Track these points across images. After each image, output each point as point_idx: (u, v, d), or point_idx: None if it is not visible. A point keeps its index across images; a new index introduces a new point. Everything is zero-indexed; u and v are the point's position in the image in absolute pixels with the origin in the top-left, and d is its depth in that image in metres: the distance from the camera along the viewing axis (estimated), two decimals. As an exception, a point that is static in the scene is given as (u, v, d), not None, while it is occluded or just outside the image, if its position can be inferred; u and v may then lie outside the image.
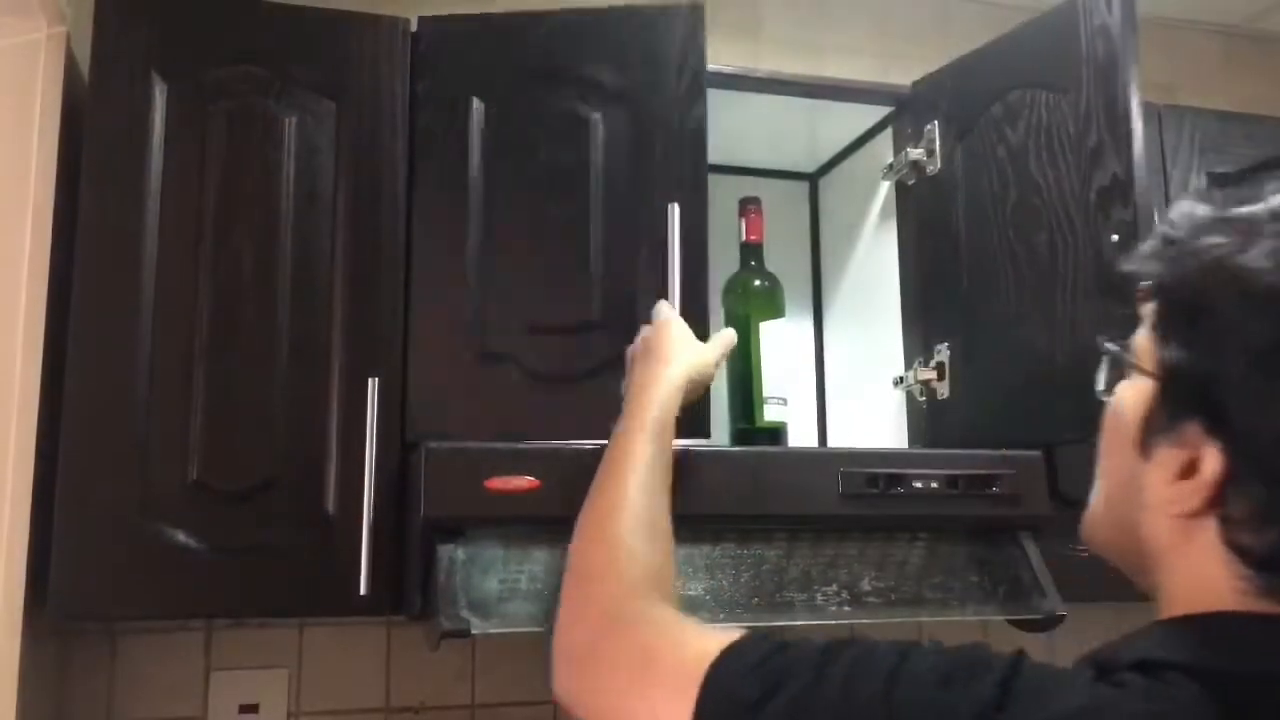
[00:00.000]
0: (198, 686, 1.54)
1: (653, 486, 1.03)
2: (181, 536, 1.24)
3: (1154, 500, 0.68)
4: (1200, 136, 1.70)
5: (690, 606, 1.31)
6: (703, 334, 1.26)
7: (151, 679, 1.52)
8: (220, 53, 1.33)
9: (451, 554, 1.24)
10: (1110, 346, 0.73)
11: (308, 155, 1.32)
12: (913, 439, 1.62)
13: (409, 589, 1.26)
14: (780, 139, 1.81)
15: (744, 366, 1.61)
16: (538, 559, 1.27)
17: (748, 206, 1.66)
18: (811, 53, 1.96)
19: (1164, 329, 0.68)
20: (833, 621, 1.34)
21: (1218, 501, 0.64)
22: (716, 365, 1.23)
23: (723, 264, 1.68)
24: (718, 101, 1.62)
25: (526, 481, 1.23)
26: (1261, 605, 0.63)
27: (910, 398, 1.61)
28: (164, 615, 1.40)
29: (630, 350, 1.22)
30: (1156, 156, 1.65)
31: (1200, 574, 0.65)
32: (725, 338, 1.26)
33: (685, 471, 1.15)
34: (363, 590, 1.19)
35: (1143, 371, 0.69)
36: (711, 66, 1.63)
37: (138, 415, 1.25)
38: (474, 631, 1.22)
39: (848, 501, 1.27)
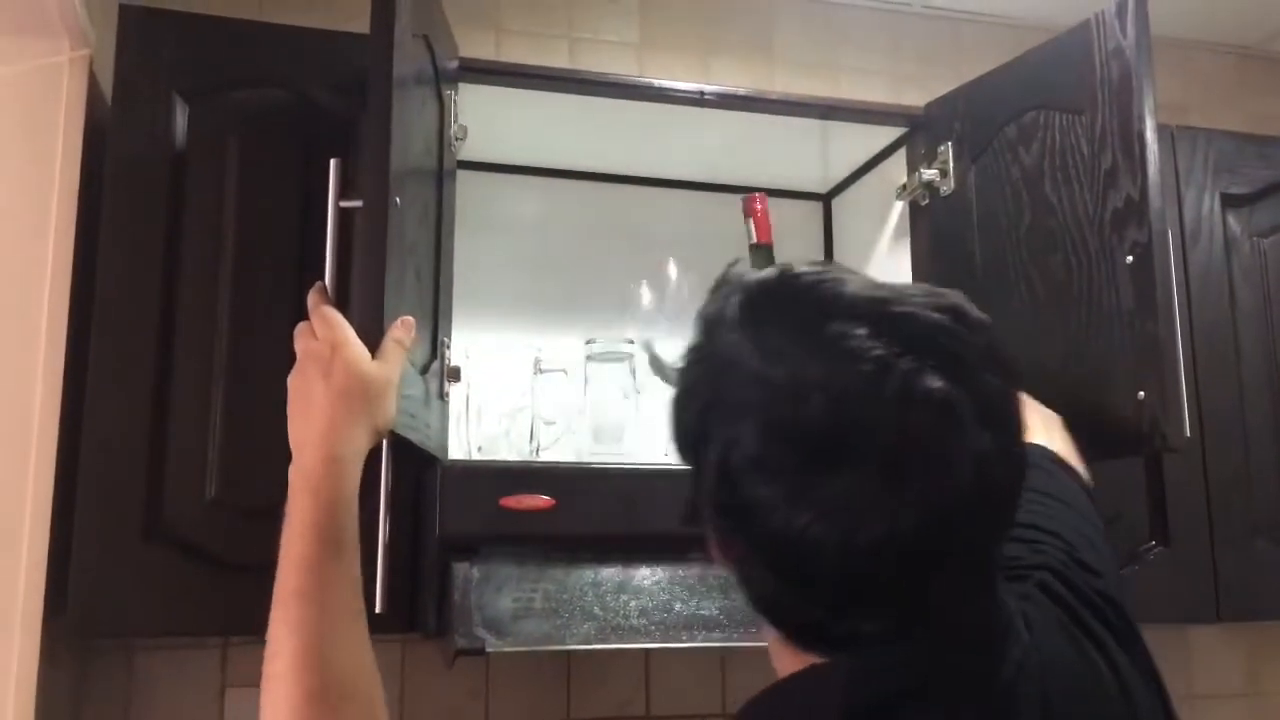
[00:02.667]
0: (213, 703, 1.54)
1: (333, 634, 0.87)
2: (198, 553, 1.25)
3: None
4: (1214, 157, 1.70)
5: (705, 626, 1.32)
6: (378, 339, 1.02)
7: (168, 695, 1.53)
8: (241, 75, 1.35)
9: (466, 572, 1.24)
10: None
11: (327, 176, 1.33)
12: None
13: (424, 607, 1.27)
14: (793, 159, 1.81)
15: None
16: (552, 577, 1.28)
17: (752, 204, 1.55)
18: (825, 74, 1.97)
19: None
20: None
21: None
22: (397, 390, 1.02)
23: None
24: (730, 122, 1.64)
25: (541, 500, 1.23)
26: (799, 657, 0.71)
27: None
28: (181, 632, 1.41)
29: (290, 383, 0.99)
30: (1170, 177, 1.65)
31: (767, 627, 0.74)
32: (396, 341, 1.03)
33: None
34: (378, 608, 1.19)
35: None
36: (724, 87, 1.65)
37: (156, 433, 1.26)
38: (488, 649, 1.22)
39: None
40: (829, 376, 0.63)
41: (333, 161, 1.17)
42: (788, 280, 0.70)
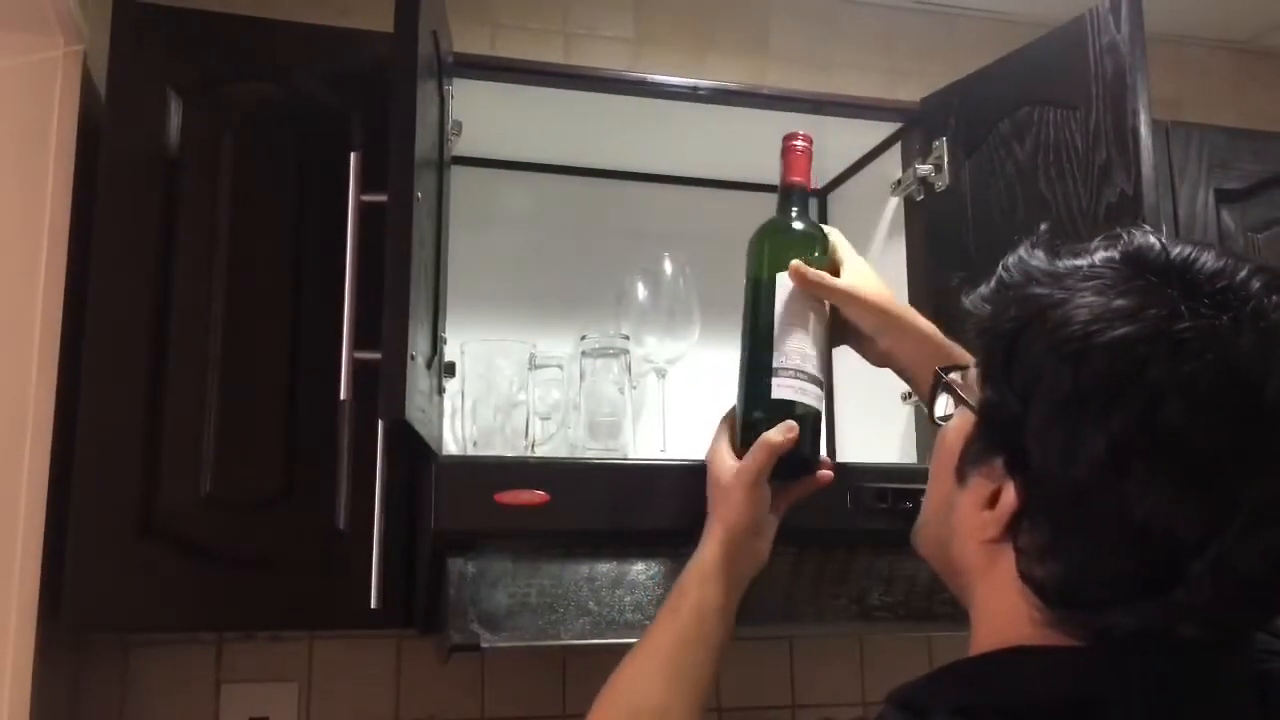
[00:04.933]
0: (208, 699, 1.54)
1: (653, 671, 1.03)
2: (193, 549, 1.25)
3: (963, 525, 0.73)
4: (1208, 153, 1.71)
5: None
6: None
7: (163, 691, 1.53)
8: (235, 70, 1.35)
9: (461, 568, 1.24)
10: (946, 378, 0.77)
11: (323, 172, 1.33)
12: (921, 454, 1.62)
13: (419, 603, 1.27)
14: (789, 154, 1.81)
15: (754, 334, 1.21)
16: (547, 573, 1.27)
17: (790, 142, 1.26)
18: (819, 68, 1.97)
19: (986, 370, 0.71)
20: (841, 633, 1.34)
21: (1013, 533, 0.68)
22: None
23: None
24: (725, 117, 1.64)
25: (536, 495, 1.23)
26: (1051, 636, 0.68)
27: (919, 412, 1.61)
28: (176, 628, 1.41)
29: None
30: (1164, 173, 1.65)
31: (1001, 601, 0.70)
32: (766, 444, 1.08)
33: (696, 483, 1.16)
34: (373, 604, 1.20)
35: (967, 406, 0.74)
36: (719, 82, 1.65)
37: (151, 429, 1.26)
38: (483, 645, 1.22)
39: (857, 516, 1.27)
40: None
41: (353, 155, 1.19)
42: (1192, 254, 0.66)
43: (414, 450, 1.26)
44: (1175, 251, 0.67)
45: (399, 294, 1.07)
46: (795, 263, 1.17)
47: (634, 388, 1.57)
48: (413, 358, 1.09)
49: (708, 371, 1.77)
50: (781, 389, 1.15)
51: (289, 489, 1.29)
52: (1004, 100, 1.47)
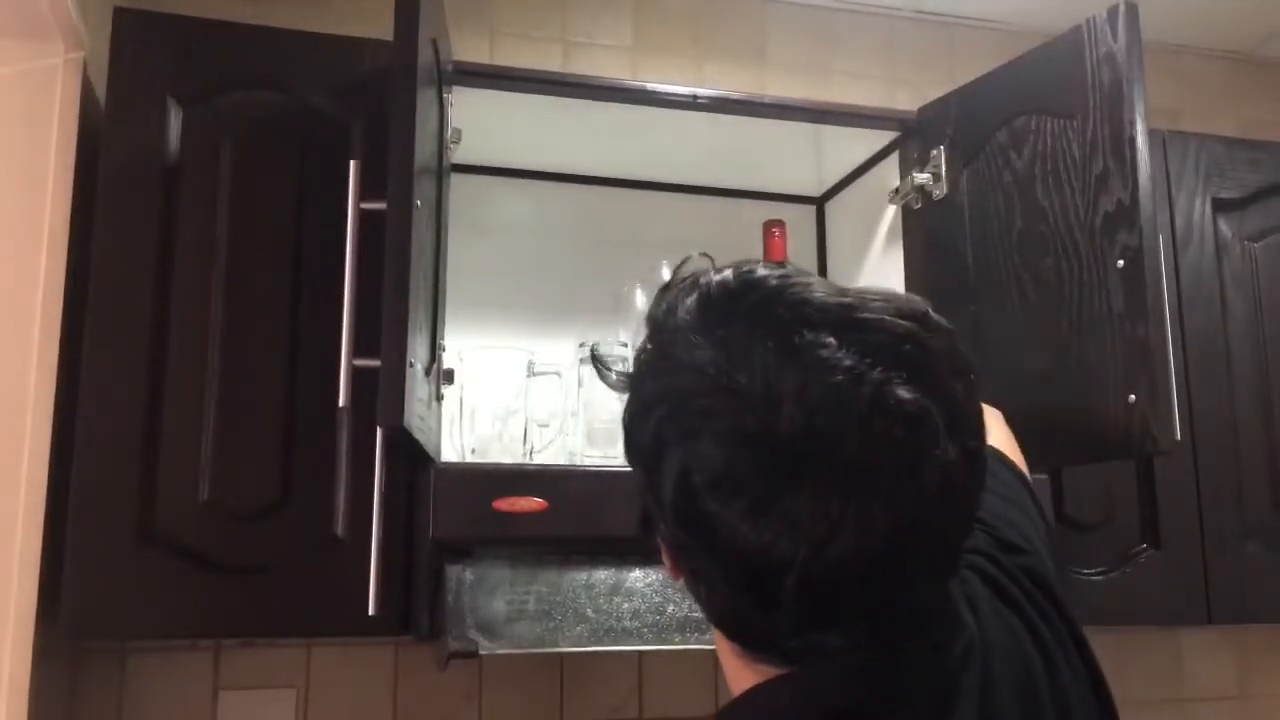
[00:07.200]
0: (206, 706, 1.54)
1: None
2: (192, 556, 1.25)
3: None
4: (1205, 161, 1.71)
5: (697, 628, 1.32)
6: None
7: (160, 699, 1.53)
8: (235, 78, 1.35)
9: (459, 575, 1.25)
10: None
11: (322, 179, 1.33)
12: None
13: (417, 610, 1.27)
14: (787, 163, 1.82)
15: None
16: (545, 580, 1.28)
17: (770, 228, 1.61)
18: (818, 77, 1.98)
19: None
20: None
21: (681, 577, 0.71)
22: None
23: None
24: (723, 126, 1.65)
25: (535, 502, 1.24)
26: (764, 671, 0.71)
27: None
28: (174, 634, 1.40)
29: None
30: (1161, 182, 1.66)
31: (717, 636, 0.74)
32: None
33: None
34: (371, 611, 1.20)
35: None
36: (718, 91, 1.66)
37: (150, 435, 1.26)
38: (481, 652, 1.23)
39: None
40: (801, 387, 0.61)
41: (353, 163, 1.20)
42: (749, 283, 0.67)
43: (412, 457, 1.26)
44: (733, 286, 0.67)
45: (398, 301, 1.07)
46: None
47: (633, 395, 1.56)
48: (411, 365, 1.09)
49: (706, 379, 1.77)
50: None
51: (287, 496, 1.29)
52: (1001, 109, 1.47)
